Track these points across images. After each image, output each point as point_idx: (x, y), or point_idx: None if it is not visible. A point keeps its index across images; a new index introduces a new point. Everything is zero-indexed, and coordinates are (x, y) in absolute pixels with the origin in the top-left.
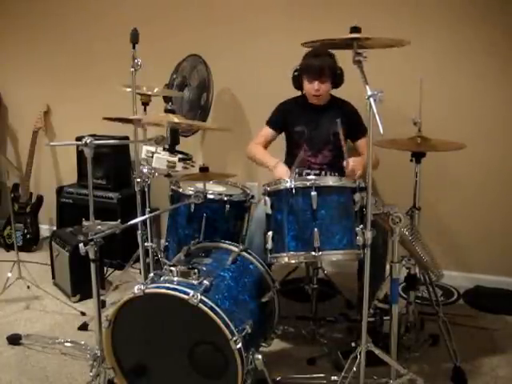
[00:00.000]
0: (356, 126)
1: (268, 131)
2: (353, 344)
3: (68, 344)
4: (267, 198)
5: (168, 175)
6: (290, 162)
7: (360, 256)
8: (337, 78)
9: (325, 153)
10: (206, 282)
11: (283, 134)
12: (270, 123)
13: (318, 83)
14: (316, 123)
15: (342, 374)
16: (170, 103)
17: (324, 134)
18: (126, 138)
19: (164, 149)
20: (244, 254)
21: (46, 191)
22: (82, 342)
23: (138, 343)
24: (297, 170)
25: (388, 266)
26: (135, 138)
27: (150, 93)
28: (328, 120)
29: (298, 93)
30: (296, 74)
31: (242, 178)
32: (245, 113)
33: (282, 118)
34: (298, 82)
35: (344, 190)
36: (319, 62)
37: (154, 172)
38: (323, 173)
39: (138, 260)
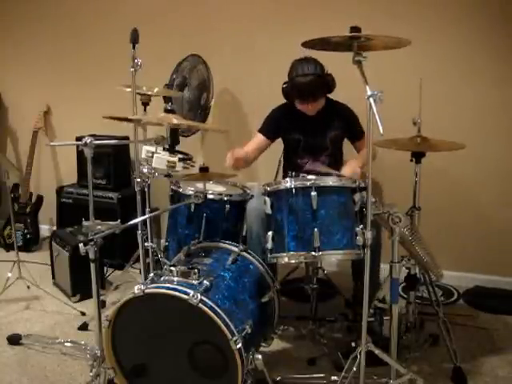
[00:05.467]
0: (353, 130)
1: (261, 138)
2: (353, 344)
3: (68, 344)
4: (267, 198)
5: (168, 175)
6: (288, 167)
7: (360, 256)
8: (329, 88)
9: (322, 158)
10: (206, 282)
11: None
12: (263, 130)
13: (310, 104)
14: (312, 130)
15: (342, 373)
16: (170, 103)
17: (321, 140)
18: (126, 138)
19: (164, 149)
20: (244, 254)
21: (46, 191)
22: (82, 342)
23: (138, 343)
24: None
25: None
26: (135, 138)
27: (150, 93)
28: (324, 125)
29: None
30: (286, 89)
31: (241, 177)
32: (245, 113)
33: (275, 126)
34: (288, 97)
35: (344, 190)
36: (309, 85)
37: (154, 172)
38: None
39: (138, 260)
